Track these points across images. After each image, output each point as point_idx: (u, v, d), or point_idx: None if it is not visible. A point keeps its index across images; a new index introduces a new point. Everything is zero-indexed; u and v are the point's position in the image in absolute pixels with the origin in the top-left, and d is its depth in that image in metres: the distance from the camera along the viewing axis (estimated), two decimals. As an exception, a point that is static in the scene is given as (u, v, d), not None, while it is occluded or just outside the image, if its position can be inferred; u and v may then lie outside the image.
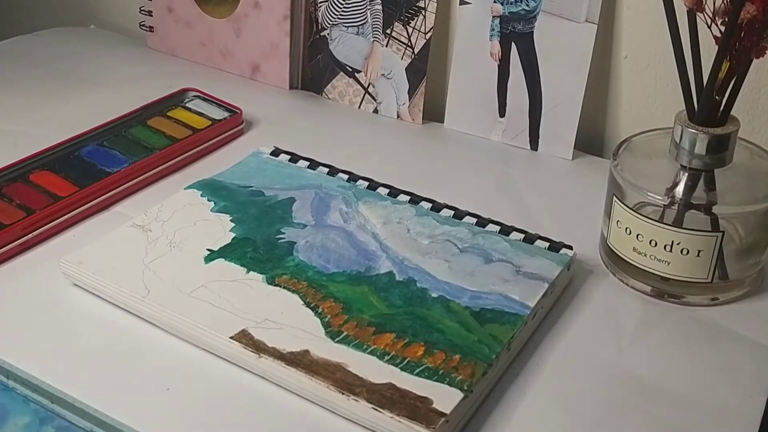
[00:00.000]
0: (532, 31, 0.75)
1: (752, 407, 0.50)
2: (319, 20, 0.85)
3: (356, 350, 0.51)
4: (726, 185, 0.57)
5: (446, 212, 0.64)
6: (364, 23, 0.83)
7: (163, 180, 0.72)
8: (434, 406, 0.47)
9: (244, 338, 0.51)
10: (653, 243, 0.57)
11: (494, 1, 0.76)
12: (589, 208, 0.67)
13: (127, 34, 1.02)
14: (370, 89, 0.84)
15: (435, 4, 0.79)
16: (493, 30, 0.76)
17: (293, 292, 0.55)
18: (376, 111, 0.84)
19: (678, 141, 0.57)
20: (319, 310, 0.54)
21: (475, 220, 0.63)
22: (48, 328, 0.55)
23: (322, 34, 0.85)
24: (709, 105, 0.56)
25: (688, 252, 0.56)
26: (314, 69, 0.87)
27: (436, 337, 0.52)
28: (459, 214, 0.64)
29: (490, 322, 0.53)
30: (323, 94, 0.87)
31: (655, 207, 0.58)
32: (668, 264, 0.57)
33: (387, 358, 0.50)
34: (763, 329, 0.56)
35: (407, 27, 0.81)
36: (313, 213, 0.64)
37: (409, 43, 0.81)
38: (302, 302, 0.55)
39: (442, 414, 0.46)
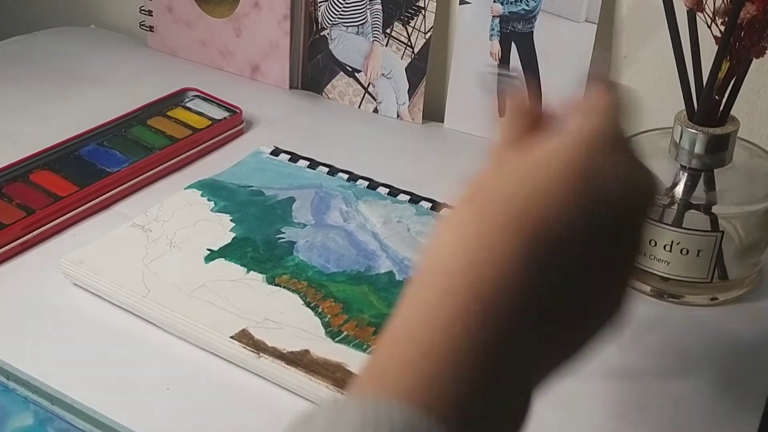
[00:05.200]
0: (532, 31, 0.75)
1: (752, 407, 0.50)
2: (319, 20, 0.85)
3: (356, 350, 0.51)
4: (725, 185, 0.57)
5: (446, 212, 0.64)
6: (364, 23, 0.83)
7: (163, 180, 0.72)
8: (434, 405, 0.47)
9: (244, 338, 0.51)
10: (653, 243, 0.57)
11: (494, 1, 0.76)
12: (589, 208, 0.67)
13: (127, 34, 1.02)
14: (370, 89, 0.84)
15: (435, 4, 0.79)
16: (493, 30, 0.76)
17: (293, 291, 0.56)
18: (376, 111, 0.84)
19: (678, 141, 0.57)
20: (319, 310, 0.54)
21: (475, 219, 0.63)
22: (48, 328, 0.55)
23: (322, 33, 0.85)
24: (709, 105, 0.56)
25: (687, 252, 0.56)
26: (314, 69, 0.87)
27: (436, 336, 0.52)
28: (459, 214, 0.64)
29: (489, 321, 0.53)
30: (323, 93, 0.87)
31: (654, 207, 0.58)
32: (668, 264, 0.57)
33: (387, 357, 0.50)
34: (762, 329, 0.56)
35: (407, 27, 0.81)
36: (313, 212, 0.64)
37: (409, 43, 0.81)
38: (302, 302, 0.55)
39: (442, 414, 0.46)
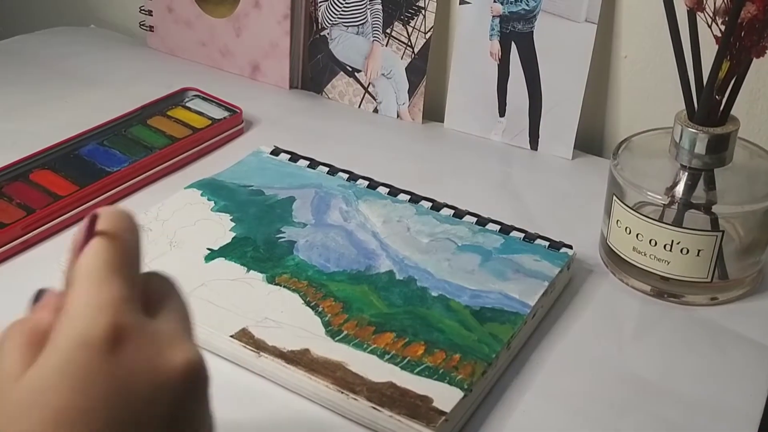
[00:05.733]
0: (532, 31, 0.75)
1: (752, 407, 0.50)
2: (319, 20, 0.85)
3: (356, 349, 0.51)
4: (726, 185, 0.57)
5: (446, 211, 0.64)
6: (364, 23, 0.83)
7: (163, 179, 0.72)
8: (434, 404, 0.47)
9: (244, 337, 0.51)
10: (653, 242, 0.57)
11: (494, 1, 0.76)
12: (589, 208, 0.67)
13: (127, 34, 1.02)
14: (370, 89, 0.84)
15: (435, 4, 0.79)
16: (493, 29, 0.76)
17: (293, 291, 0.55)
18: (376, 110, 0.84)
19: (678, 140, 0.57)
20: (319, 309, 0.54)
21: (475, 219, 0.63)
22: (48, 326, 0.55)
23: (322, 33, 0.85)
24: (709, 104, 0.56)
25: (687, 251, 0.56)
26: (314, 68, 0.87)
27: (436, 336, 0.52)
28: (459, 213, 0.64)
29: (490, 321, 0.53)
30: (323, 93, 0.87)
31: (654, 206, 0.58)
32: (668, 263, 0.57)
33: (387, 357, 0.50)
34: (762, 329, 0.56)
35: (407, 26, 0.81)
36: (313, 212, 0.64)
37: (409, 43, 0.81)
38: (302, 301, 0.55)
39: (442, 413, 0.46)
